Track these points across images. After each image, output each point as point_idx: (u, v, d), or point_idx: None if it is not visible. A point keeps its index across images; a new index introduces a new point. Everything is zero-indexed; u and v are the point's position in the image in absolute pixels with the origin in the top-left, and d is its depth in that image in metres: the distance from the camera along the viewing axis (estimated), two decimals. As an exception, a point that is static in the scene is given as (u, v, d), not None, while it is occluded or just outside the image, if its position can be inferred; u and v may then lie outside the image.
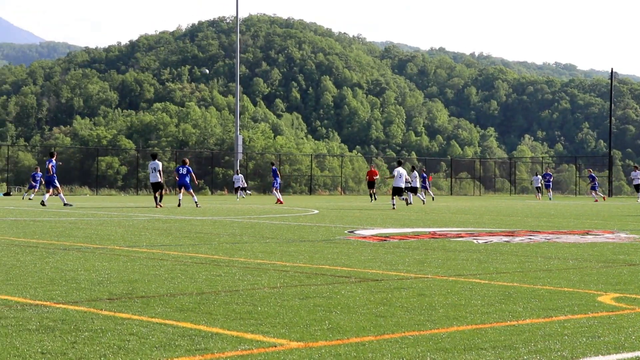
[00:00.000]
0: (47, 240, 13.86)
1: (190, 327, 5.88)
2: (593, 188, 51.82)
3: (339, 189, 79.50)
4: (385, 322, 6.17)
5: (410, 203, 39.15)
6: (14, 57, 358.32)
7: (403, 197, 35.75)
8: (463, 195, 79.40)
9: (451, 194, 79.76)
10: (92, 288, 7.85)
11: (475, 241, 14.46)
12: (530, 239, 15.31)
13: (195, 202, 32.11)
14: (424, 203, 41.30)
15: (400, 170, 34.22)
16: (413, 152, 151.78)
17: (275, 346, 5.29)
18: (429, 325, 6.10)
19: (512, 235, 16.12)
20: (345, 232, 16.93)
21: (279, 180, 41.78)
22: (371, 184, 44.59)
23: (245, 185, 49.33)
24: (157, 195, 30.95)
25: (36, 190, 44.86)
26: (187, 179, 32.17)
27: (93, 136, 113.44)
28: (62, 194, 32.93)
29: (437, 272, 9.62)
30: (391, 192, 34.44)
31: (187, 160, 33.20)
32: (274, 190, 41.63)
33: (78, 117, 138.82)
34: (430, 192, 49.52)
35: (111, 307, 6.70)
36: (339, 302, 7.14)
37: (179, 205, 31.79)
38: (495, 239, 14.96)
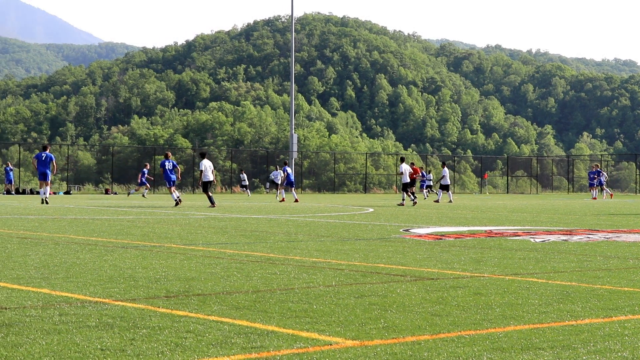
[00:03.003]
0: (105, 238, 14.06)
1: (246, 325, 5.91)
2: (600, 184, 51.05)
3: (394, 187, 79.24)
4: (441, 321, 6.14)
5: (451, 201, 39.13)
6: (74, 57, 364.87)
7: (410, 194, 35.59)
8: (519, 193, 78.58)
9: (507, 192, 79.00)
10: (150, 286, 7.94)
11: (532, 240, 14.30)
12: (589, 237, 15.09)
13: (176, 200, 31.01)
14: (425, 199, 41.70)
15: (404, 166, 35.00)
16: (469, 150, 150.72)
17: (331, 344, 5.29)
18: (486, 324, 6.05)
19: (570, 234, 15.90)
20: (401, 230, 16.87)
21: (291, 178, 40.16)
22: (411, 183, 43.96)
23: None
24: (210, 193, 30.85)
25: (147, 187, 46.12)
26: (173, 175, 31.40)
27: (150, 135, 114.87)
28: (47, 189, 31.82)
29: (494, 271, 9.53)
30: (402, 188, 35.37)
31: (170, 154, 32.35)
32: (292, 190, 40.19)
33: (135, 116, 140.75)
34: (424, 193, 48.40)
35: (168, 305, 6.77)
36: (394, 300, 7.11)
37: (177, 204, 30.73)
38: (552, 238, 14.77)
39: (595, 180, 51.29)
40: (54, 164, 31.57)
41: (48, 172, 31.23)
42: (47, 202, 30.77)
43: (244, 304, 6.83)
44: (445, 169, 40.68)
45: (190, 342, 5.31)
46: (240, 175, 57.49)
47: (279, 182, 46.87)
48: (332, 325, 5.92)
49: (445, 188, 40.24)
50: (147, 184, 46.37)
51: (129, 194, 47.73)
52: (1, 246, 12.04)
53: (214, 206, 29.60)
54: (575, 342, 5.43)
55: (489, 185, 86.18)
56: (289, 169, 40.40)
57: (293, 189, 40.59)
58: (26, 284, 7.94)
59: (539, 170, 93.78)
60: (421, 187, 47.91)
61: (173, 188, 31.34)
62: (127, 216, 22.06)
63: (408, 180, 35.02)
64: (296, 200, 39.23)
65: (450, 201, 39.61)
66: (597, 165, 53.17)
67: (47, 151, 31.60)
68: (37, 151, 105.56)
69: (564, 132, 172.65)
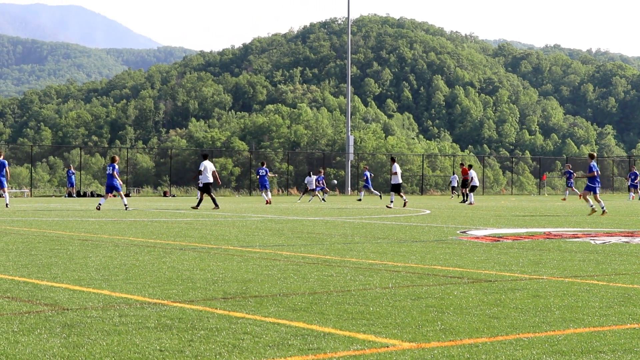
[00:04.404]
0: (164, 240, 14.22)
1: (303, 326, 5.92)
2: (569, 185, 50.77)
3: (451, 188, 78.64)
4: (499, 324, 6.08)
5: (472, 203, 38.19)
6: (133, 62, 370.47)
7: (402, 195, 34.45)
8: (579, 195, 77.40)
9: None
10: (208, 287, 8.01)
11: (592, 242, 14.09)
12: (651, 239, 14.81)
13: (125, 205, 28.72)
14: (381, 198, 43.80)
15: (397, 166, 34.05)
16: (527, 151, 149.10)
17: (388, 347, 5.28)
18: (545, 327, 5.98)
19: (631, 236, 15.63)
20: (458, 232, 16.76)
21: (265, 180, 38.62)
22: (463, 183, 43.26)
23: (314, 187, 46.42)
24: (213, 195, 30.39)
25: (327, 191, 45.47)
26: (116, 181, 29.24)
27: (207, 138, 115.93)
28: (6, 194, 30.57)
29: (553, 273, 9.42)
30: (392, 189, 33.99)
31: (117, 158, 30.11)
32: (265, 192, 38.82)
33: (193, 119, 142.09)
34: (376, 192, 47.28)
35: (226, 306, 6.82)
36: (451, 303, 7.07)
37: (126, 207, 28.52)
38: (613, 240, 14.54)
39: (636, 181, 50.60)
40: (7, 170, 30.45)
41: (2, 179, 30.17)
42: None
43: (300, 306, 6.85)
44: (472, 171, 40.33)
45: (247, 343, 5.34)
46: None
47: (312, 188, 46.02)
48: (388, 327, 5.90)
49: (472, 189, 39.62)
50: (326, 188, 45.81)
51: (309, 200, 45.61)
52: (63, 248, 12.26)
53: (198, 208, 29.32)
54: (637, 346, 5.34)
55: (548, 187, 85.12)
56: (262, 171, 38.91)
57: (266, 190, 38.93)
58: (87, 286, 8.08)
59: (600, 171, 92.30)
60: (365, 187, 46.90)
61: (120, 193, 29.38)
62: (185, 218, 22.28)
63: (400, 181, 34.25)
64: (268, 202, 37.93)
65: (471, 203, 38.59)
66: (568, 166, 52.56)
67: (1, 157, 30.40)
68: (101, 158, 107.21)
69: (625, 133, 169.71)
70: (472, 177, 39.82)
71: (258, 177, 39.82)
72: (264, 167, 39.39)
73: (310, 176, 46.29)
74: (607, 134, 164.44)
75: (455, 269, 9.81)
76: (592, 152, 27.33)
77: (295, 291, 7.76)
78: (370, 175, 45.89)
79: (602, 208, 25.75)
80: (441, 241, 14.24)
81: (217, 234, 15.87)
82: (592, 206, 25.83)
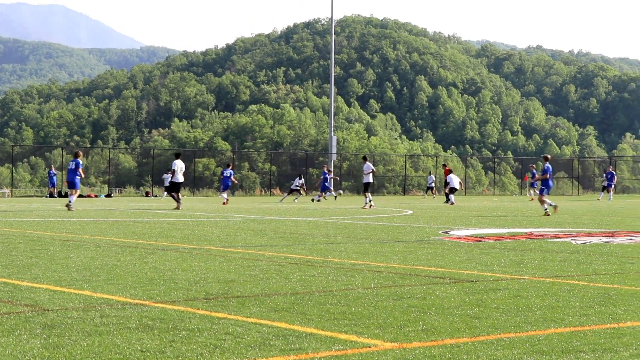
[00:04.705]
0: (146, 240, 14.18)
1: (285, 327, 5.92)
2: (533, 185, 50.99)
3: (433, 189, 78.72)
4: (481, 324, 6.10)
5: (453, 203, 38.23)
6: (116, 61, 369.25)
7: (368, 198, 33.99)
8: (560, 195, 77.81)
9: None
10: (190, 288, 7.99)
11: (573, 242, 14.17)
12: (632, 239, 14.91)
13: (70, 203, 27.17)
14: (335, 198, 44.51)
15: (369, 165, 33.83)
16: (509, 152, 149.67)
17: (369, 347, 5.28)
18: (526, 327, 6.00)
19: (612, 236, 15.72)
20: (440, 232, 16.80)
21: (227, 181, 38.38)
22: (446, 184, 43.16)
23: (298, 188, 46.40)
24: (179, 194, 30.42)
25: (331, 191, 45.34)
26: (76, 178, 27.95)
27: (190, 138, 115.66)
28: None
29: (534, 273, 9.46)
30: (364, 189, 33.75)
31: (80, 153, 28.94)
32: (224, 193, 38.81)
33: (176, 119, 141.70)
34: (333, 193, 47.53)
35: (208, 307, 6.81)
36: (433, 303, 7.09)
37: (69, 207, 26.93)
38: (594, 240, 14.62)
39: (613, 181, 50.79)
40: None
41: None
42: None
43: (282, 306, 6.84)
44: (451, 175, 40.59)
45: (229, 343, 5.33)
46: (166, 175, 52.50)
47: (296, 189, 46.09)
48: (370, 328, 5.91)
49: (451, 191, 39.73)
50: (330, 188, 45.81)
51: (313, 200, 45.23)
52: (44, 249, 12.20)
53: (179, 208, 29.15)
54: (617, 345, 5.37)
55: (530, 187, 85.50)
56: (226, 172, 38.99)
57: (223, 190, 38.98)
58: (68, 286, 8.04)
59: (581, 172, 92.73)
60: (322, 189, 46.93)
61: (73, 191, 28.07)
62: (167, 219, 22.22)
63: (371, 180, 34.05)
64: (224, 203, 37.58)
65: (452, 203, 38.60)
66: (532, 167, 52.97)
67: None
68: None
69: (606, 133, 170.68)
70: (450, 181, 39.92)
71: (222, 177, 39.66)
72: (229, 168, 39.17)
73: (300, 178, 46.59)
74: (589, 135, 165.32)
75: (437, 269, 9.84)
76: (546, 155, 27.45)
77: (277, 291, 7.75)
78: (329, 177, 46.46)
79: (551, 205, 26.14)
80: (423, 241, 14.27)
81: (200, 234, 15.84)
82: (545, 209, 26.03)
